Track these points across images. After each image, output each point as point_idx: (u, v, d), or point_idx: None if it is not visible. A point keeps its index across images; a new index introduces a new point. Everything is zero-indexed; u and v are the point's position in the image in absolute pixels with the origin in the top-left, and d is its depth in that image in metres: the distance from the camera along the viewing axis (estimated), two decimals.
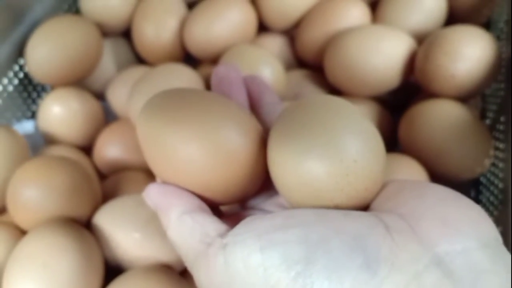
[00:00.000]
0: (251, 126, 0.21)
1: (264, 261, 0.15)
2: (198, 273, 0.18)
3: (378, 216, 0.16)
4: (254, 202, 0.23)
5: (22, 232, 0.34)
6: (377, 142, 0.19)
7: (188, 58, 0.50)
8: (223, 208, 0.23)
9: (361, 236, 0.15)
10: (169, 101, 0.21)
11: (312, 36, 0.47)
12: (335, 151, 0.17)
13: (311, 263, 0.15)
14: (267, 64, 0.43)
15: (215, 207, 0.22)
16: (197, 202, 0.20)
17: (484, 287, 0.14)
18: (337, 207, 0.18)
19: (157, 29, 0.48)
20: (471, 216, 0.16)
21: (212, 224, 0.18)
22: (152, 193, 0.20)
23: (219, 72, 0.25)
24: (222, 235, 0.17)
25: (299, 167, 0.18)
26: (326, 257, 0.15)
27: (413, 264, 0.14)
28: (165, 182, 0.21)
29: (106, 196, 0.38)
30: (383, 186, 0.19)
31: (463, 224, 0.16)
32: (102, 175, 0.44)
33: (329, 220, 0.16)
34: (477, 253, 0.15)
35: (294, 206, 0.19)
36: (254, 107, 0.26)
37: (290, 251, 0.15)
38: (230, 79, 0.25)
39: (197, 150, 0.19)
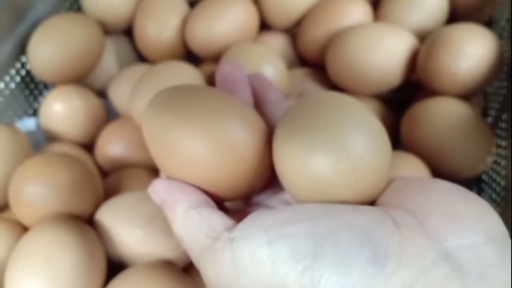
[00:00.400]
0: (257, 123, 0.21)
1: (271, 254, 0.15)
2: (205, 268, 0.18)
3: (386, 211, 0.16)
4: (259, 198, 0.23)
5: (25, 229, 0.34)
6: (383, 138, 0.19)
7: (190, 56, 0.50)
8: (227, 204, 0.23)
9: (370, 230, 0.15)
10: (175, 97, 0.21)
11: (314, 35, 0.47)
12: (342, 147, 0.17)
13: (319, 257, 0.15)
14: (269, 62, 0.43)
15: (220, 203, 0.22)
16: (203, 197, 0.20)
17: (492, 282, 0.14)
18: (343, 203, 0.18)
19: (159, 27, 0.48)
20: (478, 211, 0.16)
21: (218, 219, 0.18)
22: (158, 188, 0.20)
23: (223, 69, 0.25)
24: (229, 230, 0.17)
25: (305, 163, 0.18)
26: (334, 250, 0.15)
27: (421, 259, 0.14)
28: (170, 178, 0.21)
29: (108, 194, 0.38)
30: (389, 183, 0.19)
31: (471, 219, 0.16)
32: (104, 173, 0.44)
33: (337, 214, 0.16)
34: (484, 248, 0.15)
35: (300, 202, 0.19)
36: (258, 105, 0.26)
37: (298, 244, 0.15)
38: (235, 76, 0.25)
39: (203, 146, 0.19)
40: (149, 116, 0.21)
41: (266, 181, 0.22)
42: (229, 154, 0.19)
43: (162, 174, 0.23)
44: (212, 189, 0.20)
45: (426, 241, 0.15)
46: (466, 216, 0.16)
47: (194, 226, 0.18)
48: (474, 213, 0.16)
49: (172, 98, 0.21)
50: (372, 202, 0.19)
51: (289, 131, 0.19)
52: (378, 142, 0.18)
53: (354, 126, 0.18)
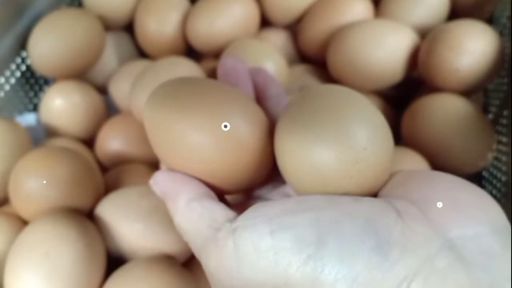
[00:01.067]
0: (258, 115, 0.21)
1: (274, 244, 0.15)
2: (207, 259, 0.18)
3: (388, 202, 0.16)
4: (260, 192, 0.23)
5: (24, 223, 0.34)
6: (385, 130, 0.19)
7: (191, 52, 0.50)
8: (228, 198, 0.23)
9: (373, 219, 0.15)
10: (177, 89, 0.21)
11: (315, 31, 0.47)
12: (345, 138, 0.17)
13: (322, 246, 0.15)
14: (270, 58, 0.43)
15: (221, 197, 0.22)
16: (204, 189, 0.20)
17: (495, 272, 0.14)
18: (346, 195, 0.18)
19: (160, 23, 0.48)
20: (481, 202, 0.16)
21: (220, 210, 0.18)
22: (160, 180, 0.20)
23: (225, 63, 0.25)
24: (231, 221, 0.17)
25: (308, 154, 0.18)
26: (338, 239, 0.15)
27: (426, 248, 0.14)
28: (172, 170, 0.21)
29: (108, 189, 0.38)
30: (391, 175, 0.19)
31: (474, 210, 0.16)
32: (104, 168, 0.44)
33: (340, 204, 0.16)
34: (488, 238, 0.15)
35: (302, 194, 0.19)
36: (260, 99, 0.25)
37: (301, 234, 0.15)
38: (237, 70, 0.25)
39: (205, 137, 0.19)
40: (150, 108, 0.21)
41: (268, 175, 0.22)
42: (231, 146, 0.19)
43: (163, 166, 0.23)
44: (214, 181, 0.20)
45: (430, 230, 0.15)
46: (470, 207, 0.16)
47: (196, 217, 0.18)
48: (477, 204, 0.16)
49: (174, 90, 0.21)
50: (374, 195, 0.19)
51: (292, 123, 0.19)
52: (381, 134, 0.18)
53: (357, 118, 0.18)
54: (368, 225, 0.15)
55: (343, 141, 0.17)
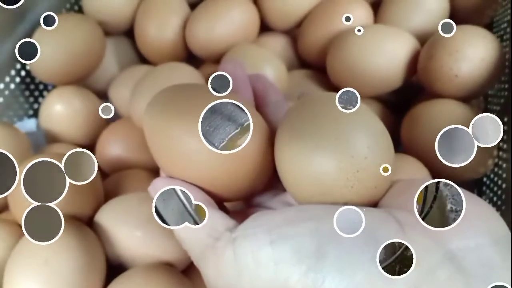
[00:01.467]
0: (258, 121, 0.21)
1: (274, 255, 0.15)
2: (206, 268, 0.18)
3: (389, 212, 0.16)
4: (259, 200, 0.23)
5: None
6: (386, 139, 0.19)
7: (191, 58, 0.50)
8: (228, 206, 0.23)
9: (373, 229, 0.15)
10: (177, 96, 0.21)
11: (315, 36, 0.47)
12: (345, 146, 0.17)
13: (322, 257, 0.14)
14: (269, 64, 0.43)
15: (221, 204, 0.22)
16: (204, 197, 0.20)
17: (496, 283, 0.14)
18: (346, 205, 0.18)
19: (160, 29, 0.48)
20: (481, 212, 0.16)
21: (220, 219, 0.18)
22: (159, 187, 0.20)
23: (225, 69, 0.25)
24: (230, 230, 0.17)
25: (308, 163, 0.18)
26: (338, 249, 0.14)
27: (427, 259, 0.14)
28: (171, 177, 0.21)
29: (108, 195, 0.38)
30: (391, 185, 0.19)
31: (475, 220, 0.16)
32: (104, 174, 0.44)
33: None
34: (488, 249, 0.15)
35: (302, 203, 0.19)
36: (259, 106, 0.25)
37: (302, 244, 0.15)
38: (237, 76, 0.25)
39: (204, 145, 0.19)
40: (149, 115, 0.21)
41: (267, 182, 0.22)
42: (230, 154, 0.19)
43: (162, 173, 0.23)
44: (213, 189, 0.20)
45: (431, 241, 0.15)
46: (470, 218, 0.16)
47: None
48: (478, 214, 0.16)
49: (173, 97, 0.21)
50: (375, 204, 0.19)
51: (292, 131, 0.19)
52: (382, 143, 0.18)
53: (357, 127, 0.18)
54: (368, 235, 0.15)
55: (343, 149, 0.17)
